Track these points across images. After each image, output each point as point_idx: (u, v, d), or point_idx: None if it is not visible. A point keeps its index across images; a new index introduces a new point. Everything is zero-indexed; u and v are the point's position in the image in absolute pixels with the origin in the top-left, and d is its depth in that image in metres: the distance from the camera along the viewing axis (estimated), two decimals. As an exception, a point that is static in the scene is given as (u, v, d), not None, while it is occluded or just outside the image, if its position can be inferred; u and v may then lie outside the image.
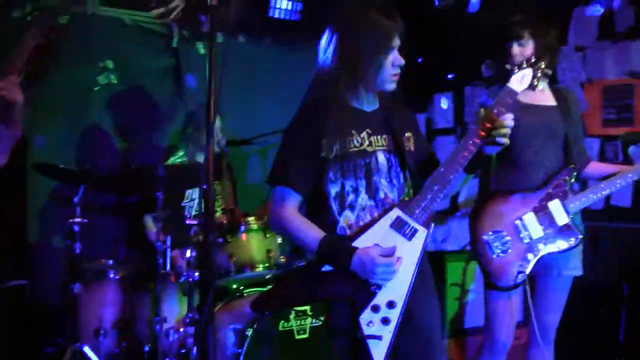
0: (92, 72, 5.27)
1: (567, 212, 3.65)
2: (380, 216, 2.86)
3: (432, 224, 2.89)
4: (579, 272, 3.87)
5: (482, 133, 2.82)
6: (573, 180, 3.74)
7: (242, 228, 4.37)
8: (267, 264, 4.33)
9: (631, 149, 5.52)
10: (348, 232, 2.86)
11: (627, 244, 4.98)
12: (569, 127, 3.83)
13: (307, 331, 3.98)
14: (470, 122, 3.03)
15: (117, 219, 5.23)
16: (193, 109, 5.01)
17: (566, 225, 3.64)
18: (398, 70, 2.90)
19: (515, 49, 3.75)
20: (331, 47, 2.89)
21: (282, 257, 4.46)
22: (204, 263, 2.12)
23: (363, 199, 2.88)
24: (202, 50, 5.75)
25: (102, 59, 5.29)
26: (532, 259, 3.60)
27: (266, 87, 6.05)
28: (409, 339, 2.84)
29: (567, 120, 3.84)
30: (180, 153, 4.84)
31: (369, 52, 2.83)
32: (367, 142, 2.91)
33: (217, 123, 4.83)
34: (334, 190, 2.86)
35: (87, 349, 4.00)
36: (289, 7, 5.89)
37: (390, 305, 2.74)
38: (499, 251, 3.59)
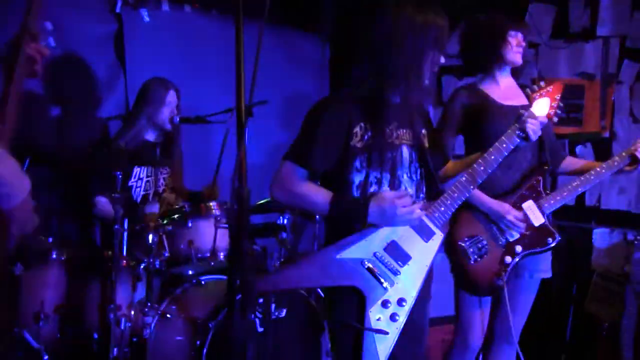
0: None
1: (543, 212, 3.68)
2: None
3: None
4: (548, 274, 3.92)
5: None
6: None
7: (203, 214, 4.20)
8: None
9: (578, 149, 5.64)
10: None
11: (574, 243, 5.12)
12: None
13: (269, 324, 3.95)
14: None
15: (64, 197, 4.96)
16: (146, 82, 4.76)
17: (543, 226, 3.66)
18: (436, 68, 2.97)
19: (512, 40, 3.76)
20: (379, 40, 2.90)
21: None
22: (236, 266, 1.99)
23: (386, 190, 2.89)
24: (146, 18, 5.52)
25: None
26: (511, 262, 3.61)
27: (212, 62, 5.86)
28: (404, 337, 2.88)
29: None
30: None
31: (428, 50, 2.89)
32: (394, 135, 2.95)
33: (173, 98, 4.67)
34: (357, 179, 2.89)
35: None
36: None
37: (400, 302, 2.79)
38: (476, 256, 3.59)
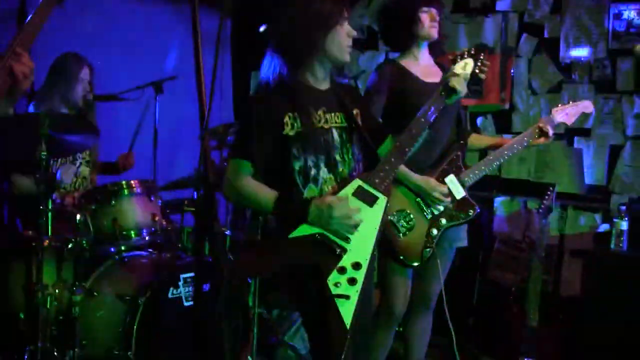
0: None
1: (463, 186, 3.87)
2: (343, 186, 3.05)
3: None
4: (465, 242, 4.14)
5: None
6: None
7: (126, 191, 4.22)
8: (152, 229, 4.24)
9: (479, 120, 5.88)
10: None
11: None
12: (458, 103, 4.04)
13: (193, 298, 4.03)
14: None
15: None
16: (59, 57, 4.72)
17: (463, 199, 3.88)
18: (350, 42, 3.08)
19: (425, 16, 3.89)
20: (284, 25, 3.06)
21: (164, 220, 4.38)
22: (216, 251, 2.09)
23: (324, 172, 3.06)
24: (51, -10, 5.42)
25: None
26: (437, 234, 3.81)
27: (126, 40, 5.84)
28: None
29: None
30: None
31: (325, 25, 3.01)
32: (323, 120, 3.10)
33: (87, 75, 4.66)
34: (297, 165, 3.01)
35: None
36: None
37: (356, 266, 2.92)
38: (405, 229, 3.75)
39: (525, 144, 3.99)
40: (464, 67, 3.29)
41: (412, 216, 3.77)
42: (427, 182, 3.76)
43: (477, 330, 5.37)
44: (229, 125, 5.22)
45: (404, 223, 3.74)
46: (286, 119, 2.99)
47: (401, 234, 3.74)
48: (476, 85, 5.74)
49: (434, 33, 3.92)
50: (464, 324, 5.18)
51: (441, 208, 3.81)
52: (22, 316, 3.96)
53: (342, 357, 2.83)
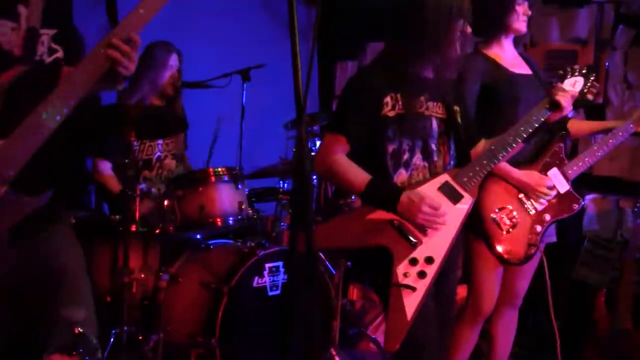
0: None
1: (567, 179, 3.79)
2: (431, 178, 3.06)
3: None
4: (554, 238, 4.05)
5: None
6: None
7: (213, 179, 4.27)
8: (239, 216, 4.28)
9: (571, 115, 5.76)
10: None
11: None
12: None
13: (279, 287, 4.07)
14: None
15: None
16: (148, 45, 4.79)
17: (567, 192, 3.79)
18: (467, 39, 3.12)
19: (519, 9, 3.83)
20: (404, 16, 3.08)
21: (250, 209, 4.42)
22: (310, 242, 2.07)
23: (418, 158, 3.07)
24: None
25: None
26: (541, 230, 3.72)
27: (210, 27, 5.90)
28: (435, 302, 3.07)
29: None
30: None
31: (446, 21, 3.00)
32: (424, 106, 3.09)
33: (175, 62, 4.72)
34: (390, 147, 3.03)
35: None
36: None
37: (429, 260, 2.93)
38: (509, 227, 3.68)
39: (630, 131, 3.89)
40: (574, 84, 3.30)
41: (515, 213, 3.69)
42: (531, 176, 3.70)
43: (564, 330, 5.28)
44: (315, 115, 5.25)
45: (507, 220, 3.67)
46: (387, 99, 3.00)
47: (504, 232, 3.67)
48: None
49: (524, 27, 3.87)
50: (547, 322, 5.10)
51: (545, 203, 3.74)
52: (109, 299, 4.04)
53: (396, 347, 2.85)
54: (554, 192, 3.73)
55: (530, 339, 5.05)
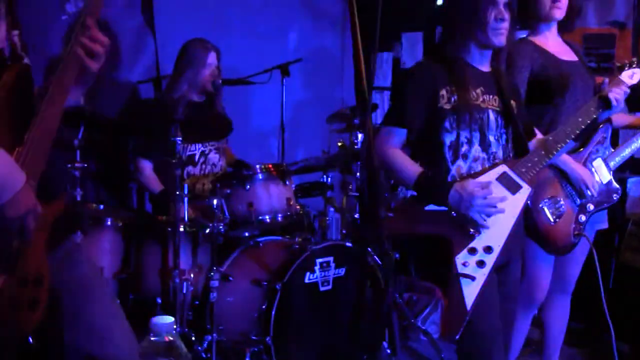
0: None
1: (609, 169, 3.81)
2: (489, 169, 3.08)
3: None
4: (605, 224, 4.04)
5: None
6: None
7: (261, 175, 4.26)
8: (287, 212, 4.27)
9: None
10: None
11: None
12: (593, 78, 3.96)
13: (331, 282, 4.06)
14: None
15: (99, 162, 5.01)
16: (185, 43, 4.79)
17: (609, 183, 3.80)
18: (501, 24, 3.06)
19: None
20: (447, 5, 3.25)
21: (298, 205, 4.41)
22: (380, 238, 2.06)
23: (476, 150, 3.08)
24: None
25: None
26: (585, 220, 3.74)
27: (246, 23, 5.90)
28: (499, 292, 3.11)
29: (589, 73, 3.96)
30: None
31: (475, 7, 3.04)
32: (480, 99, 3.11)
33: (214, 59, 4.71)
34: (448, 139, 3.06)
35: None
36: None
37: (488, 249, 2.94)
38: (555, 217, 3.68)
39: None
40: (632, 76, 3.32)
41: (562, 202, 3.70)
42: (584, 171, 3.71)
43: (613, 315, 5.24)
44: (355, 108, 5.22)
45: (555, 210, 3.67)
46: (443, 92, 3.04)
47: (552, 221, 3.67)
48: (606, 62, 5.60)
49: (556, 14, 3.82)
50: (598, 309, 5.07)
51: (589, 194, 3.72)
52: (159, 301, 4.03)
53: (457, 336, 2.85)
54: (600, 188, 3.74)
55: (581, 324, 5.01)
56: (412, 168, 3.03)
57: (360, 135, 4.81)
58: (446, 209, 2.96)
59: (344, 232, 5.18)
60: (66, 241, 2.57)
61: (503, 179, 3.03)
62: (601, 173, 3.78)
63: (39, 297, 2.29)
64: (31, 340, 2.36)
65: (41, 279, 2.29)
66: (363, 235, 2.24)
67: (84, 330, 2.54)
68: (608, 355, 3.93)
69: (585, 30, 5.74)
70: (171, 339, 1.73)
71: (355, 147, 4.80)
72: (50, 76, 2.30)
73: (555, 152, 3.17)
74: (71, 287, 2.53)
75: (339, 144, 4.90)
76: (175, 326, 1.75)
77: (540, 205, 3.67)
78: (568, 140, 3.20)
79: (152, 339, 1.73)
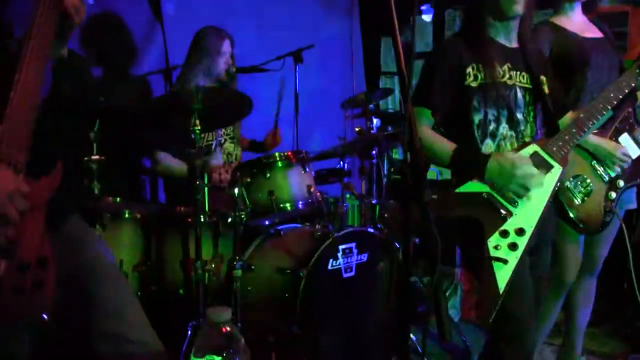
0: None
1: (638, 144, 3.73)
2: (519, 148, 3.05)
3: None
4: (634, 204, 3.99)
5: None
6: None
7: (280, 164, 4.23)
8: (309, 200, 4.24)
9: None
10: None
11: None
12: (620, 55, 3.93)
13: (354, 269, 4.02)
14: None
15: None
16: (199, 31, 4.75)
17: (639, 158, 3.72)
18: None
19: None
20: None
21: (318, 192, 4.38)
22: (427, 222, 2.03)
23: (504, 128, 3.07)
24: (179, -31, 5.49)
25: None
26: (616, 197, 3.68)
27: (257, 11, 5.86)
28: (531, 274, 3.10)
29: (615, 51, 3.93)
30: None
31: None
32: (507, 75, 3.08)
33: (228, 47, 4.68)
34: (477, 118, 3.04)
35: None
36: None
37: (520, 232, 2.91)
38: (582, 195, 3.63)
39: None
40: None
41: (588, 181, 3.66)
42: (608, 143, 3.65)
43: (633, 295, 5.22)
44: (367, 94, 5.19)
45: (581, 189, 3.63)
46: (469, 69, 3.02)
47: (579, 200, 3.63)
48: (620, 40, 5.55)
49: None
50: (619, 288, 5.04)
51: (618, 170, 3.67)
52: (182, 292, 4.00)
53: (490, 320, 2.82)
54: (629, 160, 3.67)
55: (607, 305, 4.99)
56: (444, 145, 3.02)
57: (375, 120, 4.79)
58: (476, 192, 2.92)
59: (364, 217, 5.15)
60: (69, 218, 2.52)
61: (534, 158, 3.01)
62: (630, 148, 3.72)
63: (43, 278, 2.21)
64: (46, 317, 2.29)
65: (44, 260, 2.22)
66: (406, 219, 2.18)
67: (98, 310, 2.50)
68: (628, 333, 3.92)
69: (598, 9, 5.69)
70: (229, 329, 1.70)
71: (372, 132, 4.78)
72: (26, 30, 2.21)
73: (586, 129, 3.13)
74: (85, 268, 2.51)
75: (357, 129, 4.88)
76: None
77: (567, 184, 3.63)
78: (600, 117, 3.16)
79: (208, 329, 1.70)
